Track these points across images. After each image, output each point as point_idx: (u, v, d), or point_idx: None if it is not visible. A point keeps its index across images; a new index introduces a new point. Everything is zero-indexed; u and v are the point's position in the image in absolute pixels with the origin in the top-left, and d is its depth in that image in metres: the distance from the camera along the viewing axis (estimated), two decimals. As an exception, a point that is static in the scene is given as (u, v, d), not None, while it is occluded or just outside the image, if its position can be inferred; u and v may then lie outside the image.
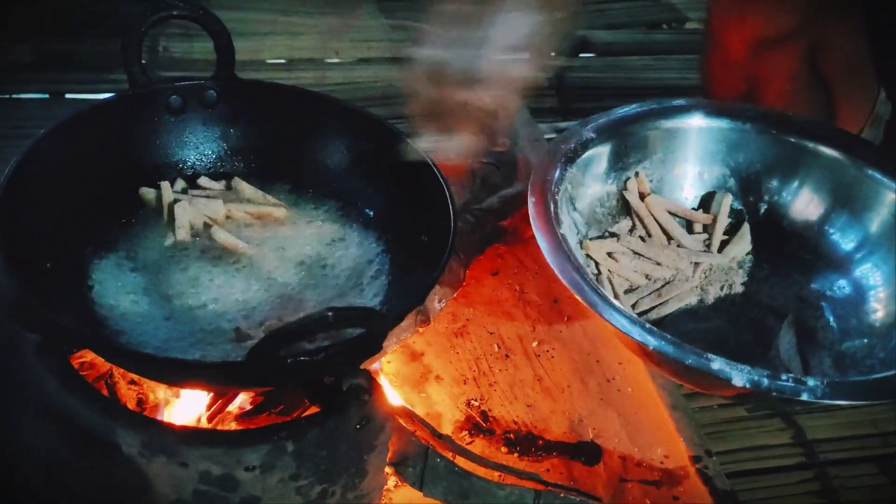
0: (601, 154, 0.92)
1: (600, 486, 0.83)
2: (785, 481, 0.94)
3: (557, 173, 0.86)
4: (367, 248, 0.79)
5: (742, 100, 1.03)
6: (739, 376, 0.71)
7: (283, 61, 1.41)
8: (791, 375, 0.73)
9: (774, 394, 0.72)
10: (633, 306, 0.89)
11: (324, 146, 0.83)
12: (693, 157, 0.98)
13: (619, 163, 0.95)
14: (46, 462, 0.70)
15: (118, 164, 0.78)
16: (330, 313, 0.55)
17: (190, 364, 0.64)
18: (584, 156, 0.90)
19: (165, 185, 0.79)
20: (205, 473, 0.64)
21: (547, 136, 1.23)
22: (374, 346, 0.61)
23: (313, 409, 0.74)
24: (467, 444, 0.84)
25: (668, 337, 0.74)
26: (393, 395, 0.85)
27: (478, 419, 0.87)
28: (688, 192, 0.99)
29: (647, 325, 0.75)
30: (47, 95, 1.27)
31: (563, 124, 1.31)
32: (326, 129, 0.83)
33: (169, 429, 0.65)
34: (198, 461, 0.63)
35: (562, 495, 0.72)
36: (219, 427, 0.73)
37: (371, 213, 0.81)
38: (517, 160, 1.13)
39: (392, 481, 0.78)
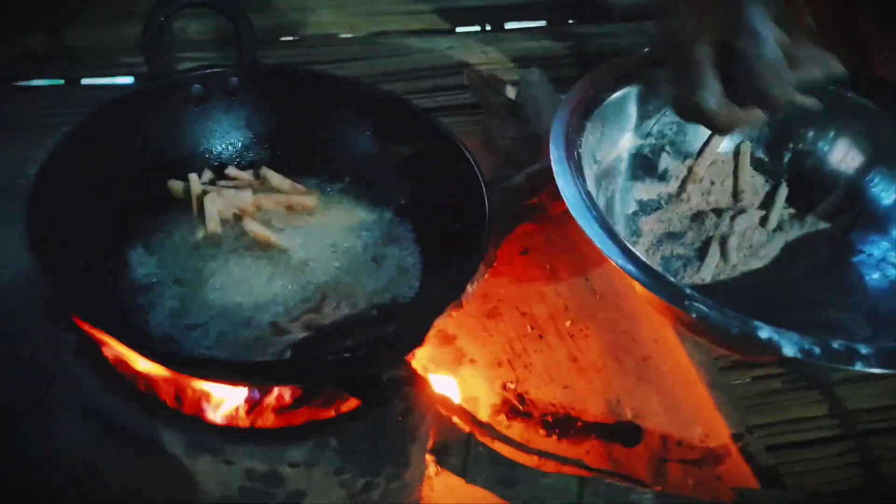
0: (621, 103, 0.90)
1: (641, 466, 0.82)
2: (824, 454, 0.92)
3: (577, 125, 0.84)
4: (400, 236, 0.78)
5: None
6: (789, 345, 0.68)
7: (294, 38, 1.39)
8: (843, 342, 0.69)
9: (824, 362, 0.69)
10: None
11: (351, 131, 0.82)
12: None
13: (640, 111, 0.93)
14: (87, 463, 0.69)
15: (144, 157, 0.77)
16: (374, 311, 0.54)
17: (229, 364, 0.63)
18: (602, 105, 0.87)
19: (193, 177, 0.77)
20: (250, 471, 0.64)
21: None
22: (416, 341, 0.61)
23: (352, 402, 0.74)
24: (505, 427, 0.83)
25: (712, 303, 0.71)
26: (431, 383, 0.84)
27: (514, 402, 0.86)
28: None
29: (689, 292, 0.72)
30: (62, 82, 1.25)
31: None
32: (352, 113, 0.81)
33: (213, 427, 0.64)
34: (243, 459, 0.63)
35: (607, 481, 0.72)
36: (259, 422, 0.73)
37: (402, 200, 0.80)
38: (541, 135, 1.11)
39: (432, 468, 0.77)
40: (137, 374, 0.70)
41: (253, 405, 0.75)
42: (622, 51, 1.38)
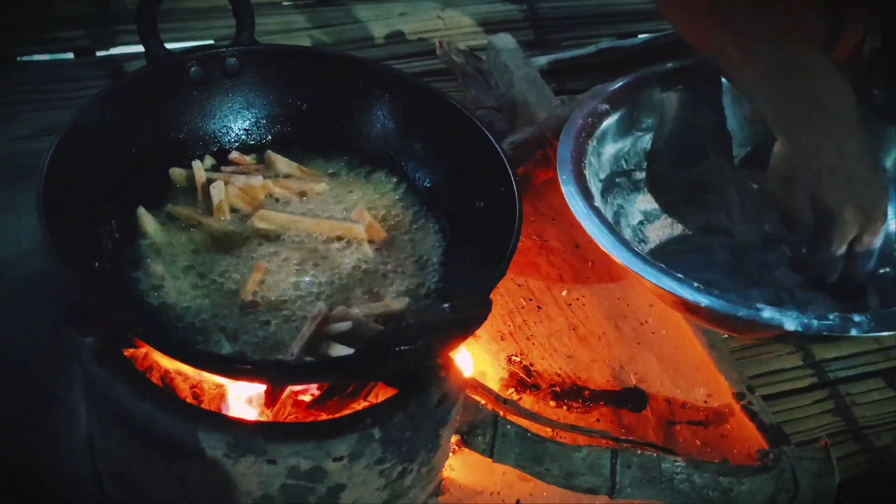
0: (615, 125, 0.94)
1: (650, 430, 0.84)
2: (801, 403, 0.97)
3: (581, 151, 0.89)
4: (417, 218, 0.76)
5: None
6: (791, 321, 0.74)
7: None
8: (837, 314, 0.76)
9: (825, 333, 0.74)
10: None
11: (356, 109, 0.79)
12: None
13: (633, 128, 0.97)
14: (120, 469, 0.67)
15: (143, 145, 0.73)
16: (446, 305, 0.53)
17: (291, 365, 0.61)
18: (600, 128, 0.92)
19: (197, 164, 0.73)
20: (294, 468, 0.62)
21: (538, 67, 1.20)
22: (471, 332, 0.60)
23: (380, 388, 0.73)
24: (516, 401, 0.84)
25: (717, 292, 0.76)
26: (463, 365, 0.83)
27: (521, 375, 0.87)
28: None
29: (696, 284, 0.77)
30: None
31: (542, 58, 1.28)
32: (356, 91, 0.78)
33: (257, 427, 0.62)
34: (287, 457, 0.62)
35: (639, 452, 0.73)
36: (289, 417, 0.71)
37: (419, 179, 0.78)
38: (516, 102, 1.11)
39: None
40: (167, 377, 0.67)
41: (276, 398, 0.73)
42: (572, 14, 1.40)
